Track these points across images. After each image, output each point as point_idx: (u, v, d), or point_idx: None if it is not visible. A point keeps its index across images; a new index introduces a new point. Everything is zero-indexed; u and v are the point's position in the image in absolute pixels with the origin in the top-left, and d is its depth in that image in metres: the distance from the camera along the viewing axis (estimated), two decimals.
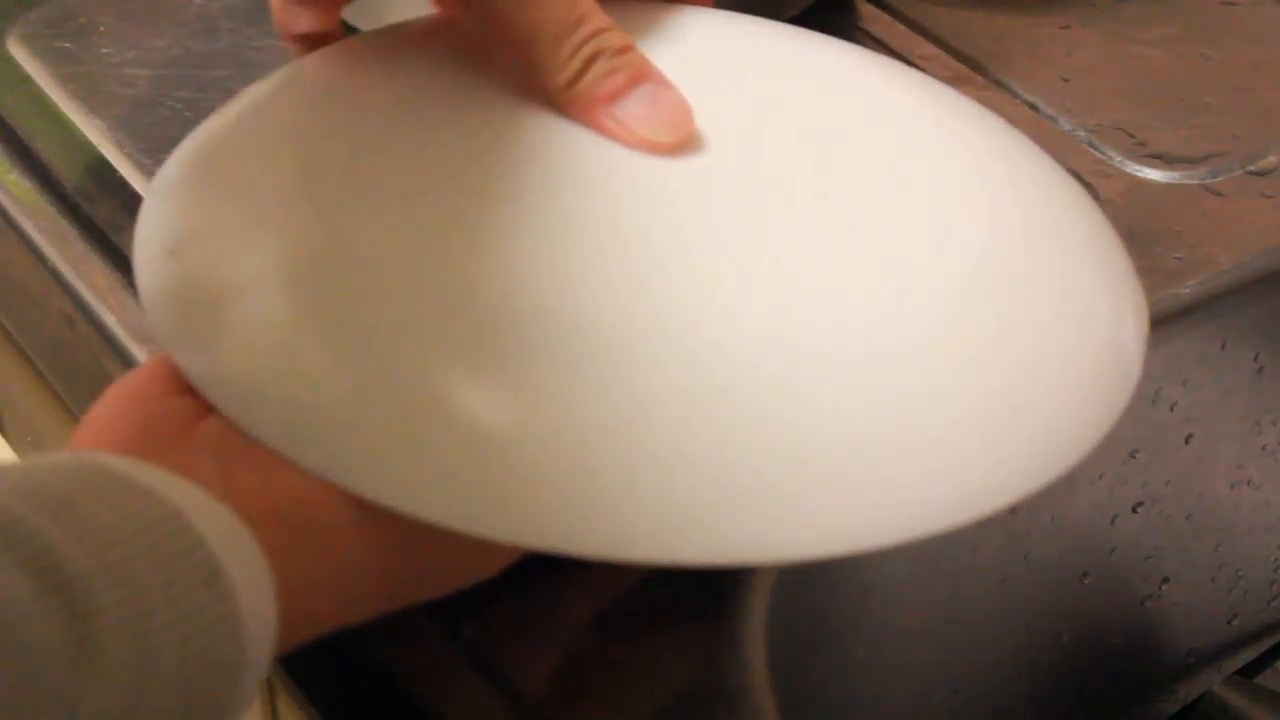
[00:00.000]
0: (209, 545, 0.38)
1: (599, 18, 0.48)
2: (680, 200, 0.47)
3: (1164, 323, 0.59)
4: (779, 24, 0.55)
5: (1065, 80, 0.69)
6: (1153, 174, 0.65)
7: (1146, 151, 0.65)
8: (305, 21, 0.53)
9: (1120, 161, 0.65)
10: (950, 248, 0.47)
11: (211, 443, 0.43)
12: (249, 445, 0.42)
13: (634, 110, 0.47)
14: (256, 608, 0.39)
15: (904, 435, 0.43)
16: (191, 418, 0.44)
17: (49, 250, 0.63)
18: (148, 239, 0.48)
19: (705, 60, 0.51)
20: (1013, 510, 0.59)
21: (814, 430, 0.42)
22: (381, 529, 0.43)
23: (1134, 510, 0.63)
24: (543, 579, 0.49)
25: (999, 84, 0.68)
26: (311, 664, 0.50)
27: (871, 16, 0.71)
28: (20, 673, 0.33)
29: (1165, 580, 0.65)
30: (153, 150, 0.65)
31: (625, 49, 0.48)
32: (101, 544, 0.36)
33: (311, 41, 0.53)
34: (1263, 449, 0.65)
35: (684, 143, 0.48)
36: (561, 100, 0.48)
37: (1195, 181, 0.64)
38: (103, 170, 0.65)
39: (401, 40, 0.53)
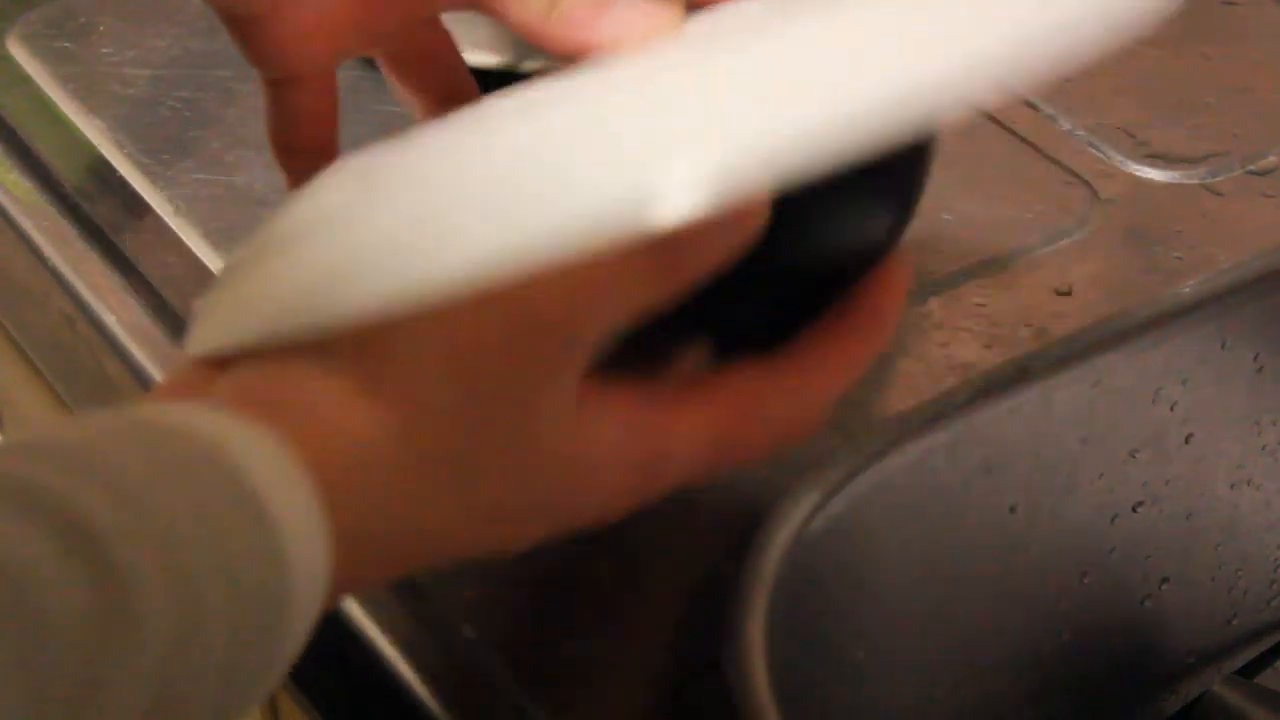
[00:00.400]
0: (249, 478, 0.36)
1: None
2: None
3: (1164, 323, 0.59)
4: None
5: (1065, 80, 0.69)
6: (1153, 174, 0.65)
7: (1146, 151, 0.65)
8: (300, 153, 0.53)
9: (1120, 161, 0.65)
10: None
11: (237, 382, 0.41)
12: (273, 378, 0.41)
13: (623, 15, 0.46)
14: (304, 539, 0.37)
15: None
16: (213, 373, 0.42)
17: (49, 250, 0.63)
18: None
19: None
20: (1012, 510, 0.59)
21: None
22: (422, 434, 0.40)
23: (1134, 510, 0.63)
24: (543, 579, 0.49)
25: None
26: (311, 664, 0.50)
27: None
28: (47, 640, 0.32)
29: (1165, 580, 0.65)
30: (153, 150, 0.65)
31: None
32: (130, 490, 0.35)
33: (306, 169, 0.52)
34: (1263, 449, 0.65)
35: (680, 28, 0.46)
36: (547, 27, 0.47)
37: (1195, 181, 0.64)
38: (103, 170, 0.65)
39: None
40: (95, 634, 0.33)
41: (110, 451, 0.36)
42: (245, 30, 0.51)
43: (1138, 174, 0.65)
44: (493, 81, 0.53)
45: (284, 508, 0.37)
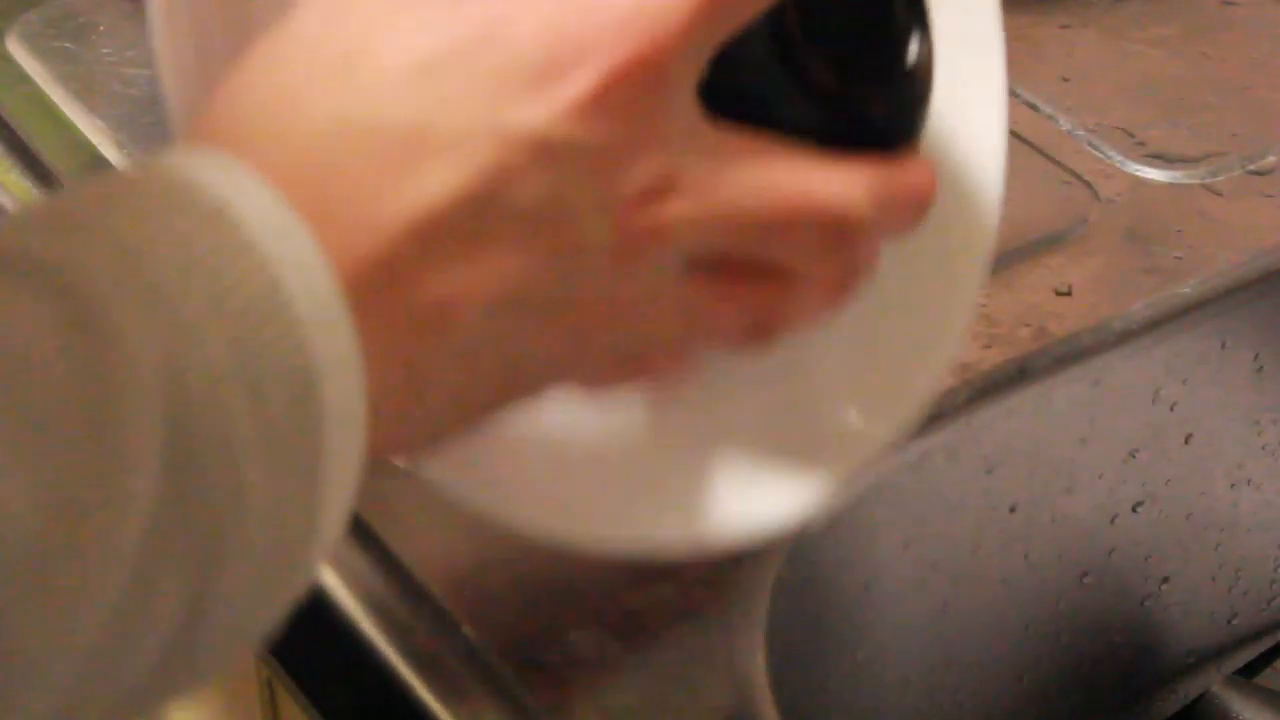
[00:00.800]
0: (199, 180, 0.35)
1: None
2: None
3: (1164, 323, 0.59)
4: None
5: (1065, 80, 0.69)
6: (1153, 174, 0.65)
7: (1146, 151, 0.65)
8: None
9: (1120, 161, 0.65)
10: None
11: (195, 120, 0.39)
12: (247, 118, 0.39)
13: None
14: (275, 230, 0.34)
15: None
16: None
17: None
18: None
19: None
20: (1012, 510, 0.59)
21: None
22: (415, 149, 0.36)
23: (1134, 510, 0.63)
24: (543, 579, 0.49)
25: None
26: (311, 664, 0.50)
27: None
28: (31, 383, 0.31)
29: (1165, 580, 0.65)
30: (153, 150, 0.65)
31: None
32: (75, 218, 0.34)
33: None
34: (1263, 449, 0.65)
35: None
36: None
37: (1195, 181, 0.64)
38: (103, 170, 0.65)
39: None
40: (72, 360, 0.31)
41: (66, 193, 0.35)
42: None
43: (1138, 174, 0.65)
44: None
45: (240, 198, 0.35)
